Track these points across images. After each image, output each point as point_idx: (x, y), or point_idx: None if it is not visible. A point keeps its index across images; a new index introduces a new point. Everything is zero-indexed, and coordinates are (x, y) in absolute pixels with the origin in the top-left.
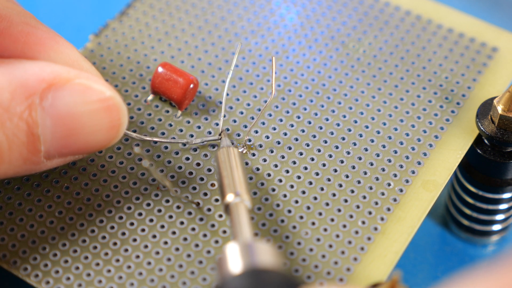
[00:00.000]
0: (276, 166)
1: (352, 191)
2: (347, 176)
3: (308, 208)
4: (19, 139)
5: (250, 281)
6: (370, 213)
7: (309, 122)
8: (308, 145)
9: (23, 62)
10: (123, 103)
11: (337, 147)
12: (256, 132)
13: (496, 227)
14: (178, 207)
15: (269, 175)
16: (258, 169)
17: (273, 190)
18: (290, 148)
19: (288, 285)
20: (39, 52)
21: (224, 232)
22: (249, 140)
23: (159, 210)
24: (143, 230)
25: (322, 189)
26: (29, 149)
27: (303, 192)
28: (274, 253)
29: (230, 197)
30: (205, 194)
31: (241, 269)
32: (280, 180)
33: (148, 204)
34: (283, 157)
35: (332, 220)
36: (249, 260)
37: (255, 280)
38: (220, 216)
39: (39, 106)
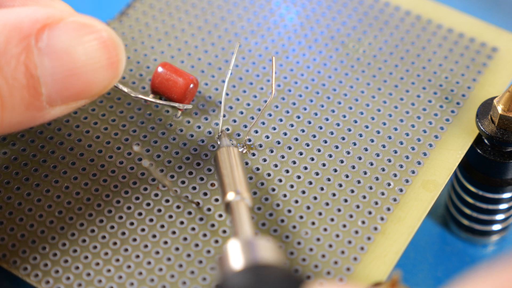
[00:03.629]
0: (276, 166)
1: (352, 191)
2: (347, 176)
3: (308, 208)
4: (19, 83)
5: (251, 277)
6: (370, 213)
7: (309, 122)
8: (308, 145)
9: (16, 7)
10: (119, 39)
11: (337, 147)
12: (256, 132)
13: (496, 227)
14: (178, 207)
15: (269, 175)
16: (258, 169)
17: (273, 190)
18: (290, 148)
19: (290, 281)
20: (35, 4)
21: (224, 232)
22: (249, 140)
23: (159, 210)
24: (143, 230)
25: (322, 189)
26: (30, 92)
27: (303, 192)
28: (275, 250)
29: (230, 196)
30: (205, 194)
31: (243, 265)
32: (280, 180)
33: (148, 204)
34: (283, 157)
35: (332, 220)
36: (251, 256)
37: (256, 276)
38: (220, 216)
39: (35, 47)
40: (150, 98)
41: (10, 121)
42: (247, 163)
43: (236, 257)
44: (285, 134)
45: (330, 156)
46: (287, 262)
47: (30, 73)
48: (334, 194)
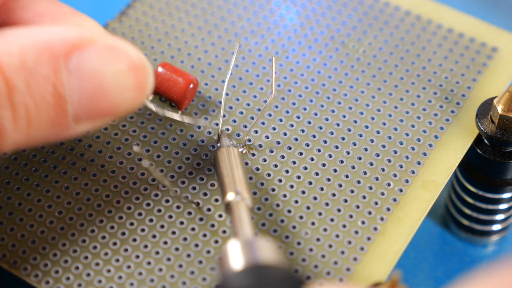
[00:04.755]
0: (276, 166)
1: (352, 191)
2: (347, 176)
3: (308, 208)
4: (46, 101)
5: (252, 277)
6: (370, 213)
7: (309, 122)
8: (308, 145)
9: (48, 26)
10: (149, 62)
11: (337, 147)
12: (256, 132)
13: (496, 227)
14: (178, 207)
15: (269, 175)
16: (258, 169)
17: (273, 190)
18: (290, 148)
19: (291, 281)
20: (65, 23)
21: (224, 232)
22: (249, 140)
23: (159, 210)
24: (143, 230)
25: (322, 189)
26: (57, 110)
27: (303, 192)
28: (275, 250)
29: (230, 196)
30: (205, 194)
31: (243, 265)
32: (280, 180)
33: (148, 204)
34: (283, 157)
35: (332, 220)
36: (251, 257)
37: (257, 276)
38: (220, 216)
39: (64, 68)
40: (177, 116)
41: (35, 137)
42: (247, 163)
43: (236, 257)
44: (285, 134)
45: (330, 156)
46: (287, 262)
47: (57, 92)
48: (334, 194)
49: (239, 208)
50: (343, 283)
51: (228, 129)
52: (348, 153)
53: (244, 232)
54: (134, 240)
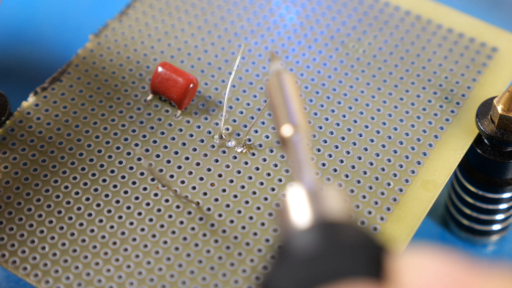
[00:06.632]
0: (276, 165)
1: (352, 191)
2: (347, 176)
3: None
4: None
5: (323, 238)
6: (370, 212)
7: (309, 122)
8: (307, 145)
9: None
10: None
11: (337, 147)
12: (256, 131)
13: (496, 227)
14: (178, 207)
15: (269, 174)
16: (258, 168)
17: (273, 189)
18: None
19: (371, 246)
20: None
21: (224, 231)
22: (249, 140)
23: (159, 210)
24: (142, 229)
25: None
26: None
27: None
28: (344, 204)
29: (287, 131)
30: (205, 193)
31: (310, 221)
32: (280, 180)
33: (148, 204)
34: (283, 156)
35: None
36: (319, 210)
37: (329, 237)
38: (220, 215)
39: None
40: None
41: None
42: (246, 163)
43: (301, 210)
44: None
45: (330, 156)
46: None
47: None
48: None
49: (299, 147)
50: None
51: (228, 129)
52: (348, 152)
53: (307, 177)
54: (134, 239)
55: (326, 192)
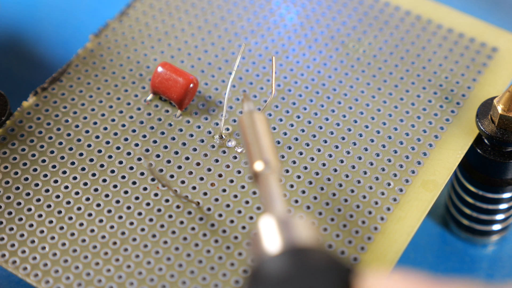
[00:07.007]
0: None
1: (352, 191)
2: (347, 176)
3: (308, 207)
4: None
5: (292, 262)
6: (370, 212)
7: (309, 122)
8: (308, 145)
9: None
10: None
11: (337, 147)
12: None
13: (496, 227)
14: (178, 207)
15: None
16: None
17: None
18: (290, 148)
19: (338, 269)
20: None
21: (224, 231)
22: None
23: (159, 210)
24: (142, 229)
25: (322, 188)
26: None
27: (303, 192)
28: (312, 230)
29: (258, 166)
30: (205, 193)
31: (281, 248)
32: (280, 180)
33: (148, 204)
34: (283, 157)
35: (332, 219)
36: (289, 237)
37: (298, 261)
38: (220, 215)
39: None
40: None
41: None
42: (246, 163)
43: (272, 238)
44: (285, 134)
45: (330, 156)
46: (325, 243)
47: None
48: (334, 194)
49: (269, 180)
50: (387, 274)
51: (228, 129)
52: (348, 152)
53: (277, 207)
54: (134, 239)
55: (295, 220)
